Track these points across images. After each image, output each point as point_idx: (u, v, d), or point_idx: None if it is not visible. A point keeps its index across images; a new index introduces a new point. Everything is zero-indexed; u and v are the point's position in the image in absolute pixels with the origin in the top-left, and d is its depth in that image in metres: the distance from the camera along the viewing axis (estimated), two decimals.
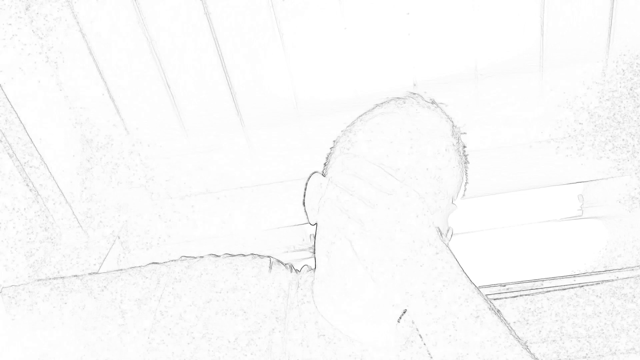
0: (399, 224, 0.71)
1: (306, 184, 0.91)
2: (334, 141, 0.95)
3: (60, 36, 1.18)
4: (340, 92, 1.24)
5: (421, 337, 0.74)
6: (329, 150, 0.96)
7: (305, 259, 1.37)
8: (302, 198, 0.92)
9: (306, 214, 0.90)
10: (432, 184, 0.80)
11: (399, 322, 0.84)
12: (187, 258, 0.89)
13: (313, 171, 0.92)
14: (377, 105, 0.93)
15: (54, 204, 1.20)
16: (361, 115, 0.93)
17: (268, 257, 0.91)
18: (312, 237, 1.36)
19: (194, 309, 0.80)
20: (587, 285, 1.17)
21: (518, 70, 1.22)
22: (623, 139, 1.24)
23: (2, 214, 1.07)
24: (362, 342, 0.80)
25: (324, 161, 0.96)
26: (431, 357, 0.74)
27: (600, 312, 1.13)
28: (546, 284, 1.20)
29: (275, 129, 1.29)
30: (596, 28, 1.17)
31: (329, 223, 0.80)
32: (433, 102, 0.91)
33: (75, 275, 0.84)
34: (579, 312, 1.14)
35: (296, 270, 0.91)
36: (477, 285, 0.76)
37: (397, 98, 0.92)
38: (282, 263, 0.91)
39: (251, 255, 0.90)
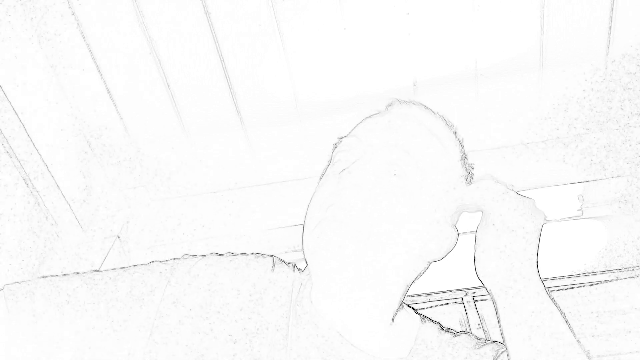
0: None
1: None
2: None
3: (60, 36, 1.18)
4: (340, 92, 1.24)
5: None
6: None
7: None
8: None
9: None
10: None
11: (392, 320, 0.83)
12: (190, 256, 0.89)
13: None
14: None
15: (54, 203, 1.20)
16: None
17: (271, 256, 0.90)
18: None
19: (196, 306, 0.80)
20: (587, 285, 1.17)
21: (518, 70, 1.22)
22: (623, 139, 1.24)
23: (2, 215, 1.07)
24: (360, 344, 0.80)
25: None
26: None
27: (601, 313, 1.13)
28: (546, 284, 1.19)
29: (275, 129, 1.29)
30: (596, 28, 1.17)
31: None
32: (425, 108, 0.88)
33: (77, 273, 0.84)
34: (579, 312, 1.14)
35: (299, 270, 0.91)
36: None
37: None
38: (285, 262, 0.91)
39: (254, 254, 0.90)
